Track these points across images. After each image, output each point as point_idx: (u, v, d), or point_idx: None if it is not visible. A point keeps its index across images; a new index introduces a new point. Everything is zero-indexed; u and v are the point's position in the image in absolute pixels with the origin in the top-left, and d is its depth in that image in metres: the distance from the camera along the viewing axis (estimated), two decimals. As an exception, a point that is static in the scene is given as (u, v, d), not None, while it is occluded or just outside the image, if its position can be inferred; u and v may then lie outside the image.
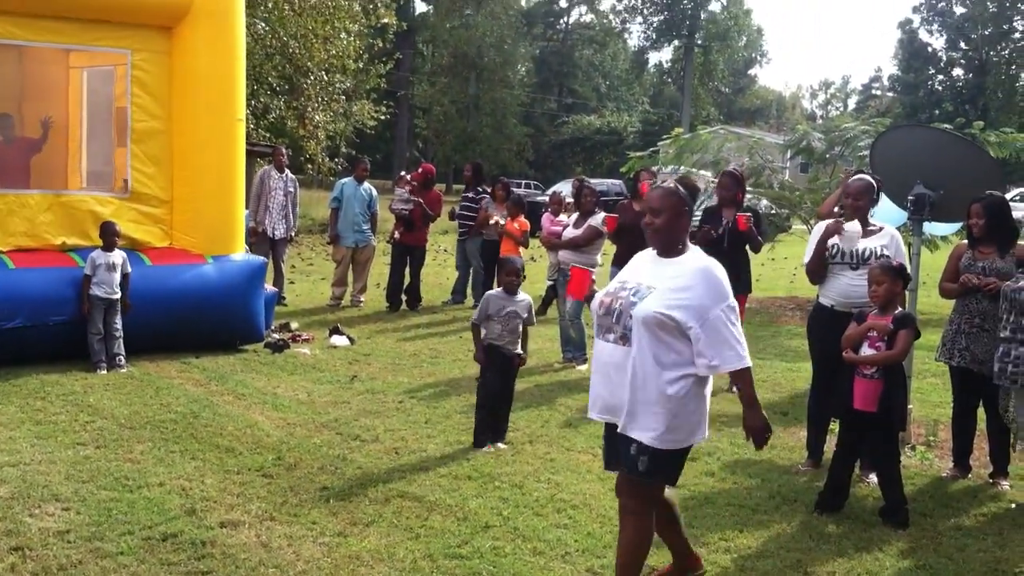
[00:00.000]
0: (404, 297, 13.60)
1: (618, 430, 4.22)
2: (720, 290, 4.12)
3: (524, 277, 7.34)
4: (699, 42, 75.74)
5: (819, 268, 6.51)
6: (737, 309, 4.16)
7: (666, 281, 4.16)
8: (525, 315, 7.14)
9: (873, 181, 6.52)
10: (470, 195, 14.18)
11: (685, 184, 4.47)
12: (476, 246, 13.71)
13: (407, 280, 13.63)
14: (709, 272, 4.16)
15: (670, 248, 4.29)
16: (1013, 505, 5.99)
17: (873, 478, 6.15)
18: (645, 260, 4.42)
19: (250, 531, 5.19)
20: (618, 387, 4.17)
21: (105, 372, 8.73)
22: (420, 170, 14.25)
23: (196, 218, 9.95)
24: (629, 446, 4.18)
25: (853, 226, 6.43)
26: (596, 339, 4.31)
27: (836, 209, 7.05)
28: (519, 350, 7.16)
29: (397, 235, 13.49)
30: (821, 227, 6.61)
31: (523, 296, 7.20)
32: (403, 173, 14.93)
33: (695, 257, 4.25)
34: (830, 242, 6.45)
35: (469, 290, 14.19)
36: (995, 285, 6.16)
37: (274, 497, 5.74)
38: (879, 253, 6.26)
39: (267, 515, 5.44)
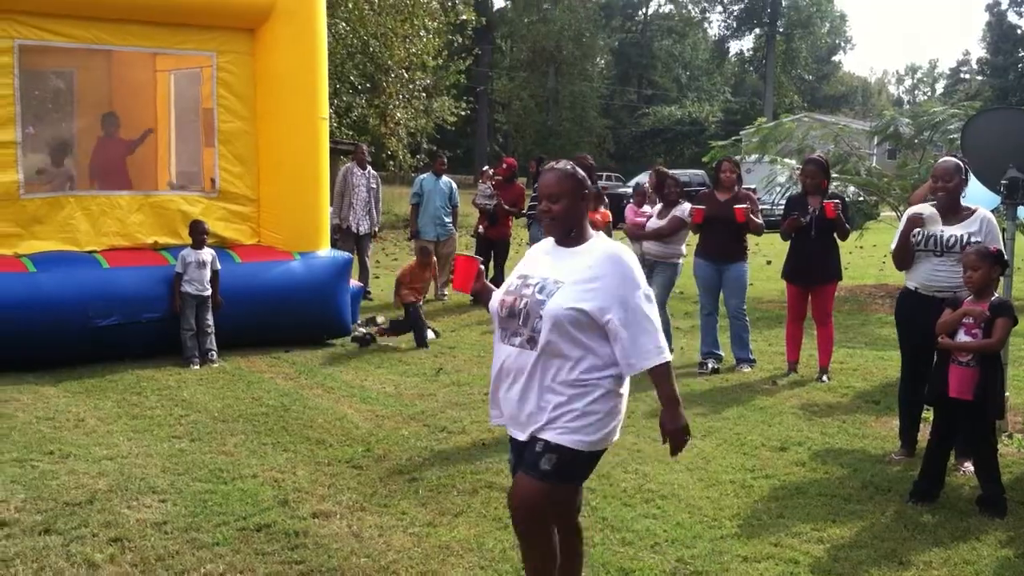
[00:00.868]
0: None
1: (524, 438, 3.84)
2: (633, 276, 3.74)
3: None
4: (780, 30, 74.63)
5: (905, 257, 6.41)
6: (653, 296, 3.83)
7: (573, 273, 3.75)
8: None
9: (960, 163, 6.38)
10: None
11: (581, 164, 4.18)
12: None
13: (491, 273, 13.70)
14: (618, 258, 3.76)
15: (571, 236, 3.88)
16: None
17: (969, 467, 6.01)
18: (544, 252, 3.98)
19: (341, 521, 5.26)
20: (527, 394, 3.78)
21: (198, 367, 8.93)
22: (504, 165, 14.30)
23: (282, 216, 10.12)
24: (535, 445, 3.78)
25: (935, 213, 6.32)
26: (497, 343, 3.90)
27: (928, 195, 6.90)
28: None
29: (481, 229, 13.56)
30: (910, 211, 6.52)
31: None
32: (486, 168, 15.01)
33: (600, 243, 3.85)
34: (914, 229, 6.33)
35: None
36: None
37: (364, 488, 5.81)
38: (965, 241, 6.11)
39: (358, 505, 5.51)
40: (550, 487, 3.76)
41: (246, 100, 10.11)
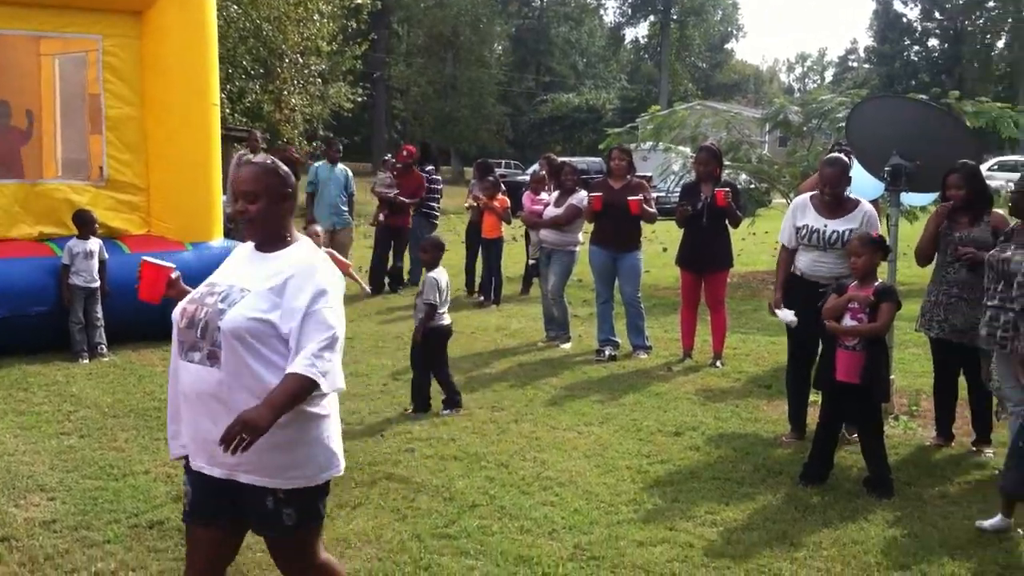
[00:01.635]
0: (387, 280, 13.60)
1: (222, 476, 3.31)
2: (321, 287, 3.27)
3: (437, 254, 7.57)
4: (674, 17, 75.62)
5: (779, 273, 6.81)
6: (341, 312, 3.33)
7: (262, 281, 3.32)
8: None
9: (846, 165, 6.60)
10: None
11: (284, 159, 3.93)
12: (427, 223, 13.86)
13: (390, 262, 13.63)
14: (311, 267, 3.33)
15: (271, 240, 3.44)
16: (996, 472, 6.02)
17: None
18: (242, 257, 3.54)
19: (236, 517, 5.18)
20: (215, 421, 3.21)
21: (87, 361, 8.70)
22: (404, 152, 14.17)
23: (173, 204, 9.89)
24: (263, 501, 3.30)
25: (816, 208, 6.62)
26: (176, 359, 3.39)
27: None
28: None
29: (382, 218, 13.44)
30: (795, 203, 6.81)
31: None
32: (388, 156, 14.89)
33: (298, 251, 3.42)
34: (800, 223, 6.55)
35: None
36: (973, 255, 6.18)
37: (260, 482, 5.73)
38: (847, 238, 6.32)
39: (254, 501, 5.43)
40: (304, 535, 3.41)
41: (134, 85, 9.84)
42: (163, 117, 9.83)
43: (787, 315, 6.61)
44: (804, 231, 6.59)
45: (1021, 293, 5.50)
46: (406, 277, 14.00)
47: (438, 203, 14.21)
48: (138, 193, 9.93)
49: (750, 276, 15.40)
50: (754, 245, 19.07)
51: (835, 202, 6.52)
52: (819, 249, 6.51)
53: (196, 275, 10.01)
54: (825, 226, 6.50)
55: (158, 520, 5.10)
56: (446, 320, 7.49)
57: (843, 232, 6.38)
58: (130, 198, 9.88)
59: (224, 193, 11.59)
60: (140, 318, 9.30)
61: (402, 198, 13.46)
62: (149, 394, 7.68)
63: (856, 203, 6.58)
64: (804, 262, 6.62)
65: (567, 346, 9.83)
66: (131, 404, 7.38)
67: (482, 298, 12.61)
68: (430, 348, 7.42)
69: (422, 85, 57.61)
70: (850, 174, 6.60)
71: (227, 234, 11.12)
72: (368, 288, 12.82)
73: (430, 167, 14.33)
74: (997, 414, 6.59)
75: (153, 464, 6.00)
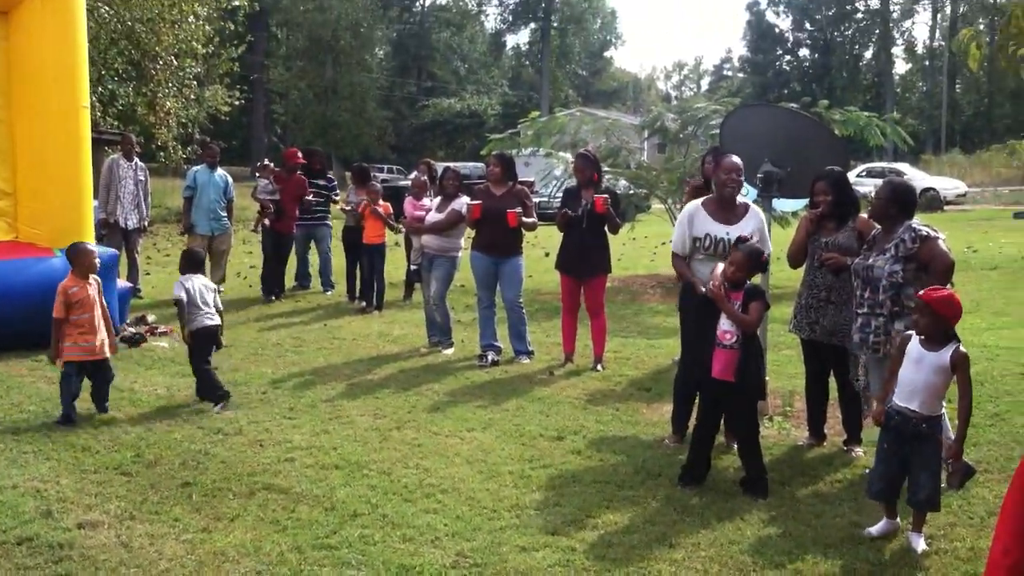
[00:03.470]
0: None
1: None
2: None
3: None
4: (555, 24, 76.39)
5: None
6: None
7: None
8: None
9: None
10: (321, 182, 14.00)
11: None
12: (323, 232, 13.89)
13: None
14: None
15: None
16: (866, 471, 6.22)
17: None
18: None
19: (109, 531, 5.04)
20: None
21: (-52, 373, 8.36)
22: (298, 155, 13.94)
23: (42, 210, 9.57)
24: None
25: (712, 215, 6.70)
26: None
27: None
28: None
29: (267, 223, 13.19)
30: (687, 212, 6.87)
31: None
32: (266, 161, 14.63)
33: None
34: (702, 232, 6.64)
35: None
36: (836, 260, 6.36)
37: (134, 496, 5.58)
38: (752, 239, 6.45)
39: (127, 514, 5.28)
40: None
41: (0, 87, 9.48)
42: (31, 120, 9.50)
43: (715, 274, 6.20)
44: (707, 241, 6.66)
45: (887, 297, 5.71)
46: (291, 283, 13.86)
47: (328, 208, 14.08)
48: (4, 198, 9.59)
49: (630, 280, 15.61)
50: (634, 250, 19.36)
51: (733, 197, 6.66)
52: (719, 259, 6.50)
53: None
54: (727, 233, 6.60)
55: (27, 536, 4.92)
56: (208, 322, 7.79)
57: (747, 237, 6.49)
58: (-4, 203, 9.53)
59: (95, 198, 11.26)
60: (9, 327, 9.01)
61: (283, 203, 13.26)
62: (16, 405, 7.41)
63: (746, 206, 6.74)
64: (702, 274, 6.62)
65: (449, 352, 9.82)
66: (-3, 417, 7.11)
67: (364, 304, 12.52)
68: (193, 347, 7.80)
69: (302, 89, 57.01)
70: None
71: (99, 240, 10.80)
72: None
73: (330, 175, 14.20)
74: (865, 415, 6.80)
75: (22, 478, 5.79)
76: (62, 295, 7.10)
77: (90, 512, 5.30)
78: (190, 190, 13.14)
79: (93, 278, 7.31)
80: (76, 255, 7.33)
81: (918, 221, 5.91)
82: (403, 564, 4.69)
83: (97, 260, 7.42)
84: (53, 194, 9.59)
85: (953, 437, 5.82)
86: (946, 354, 4.92)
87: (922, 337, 5.03)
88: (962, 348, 4.95)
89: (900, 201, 5.95)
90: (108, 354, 7.36)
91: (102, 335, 7.29)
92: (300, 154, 13.92)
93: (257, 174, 14.09)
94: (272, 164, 14.05)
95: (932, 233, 5.81)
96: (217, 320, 7.90)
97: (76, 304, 7.13)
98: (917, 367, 5.03)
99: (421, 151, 55.32)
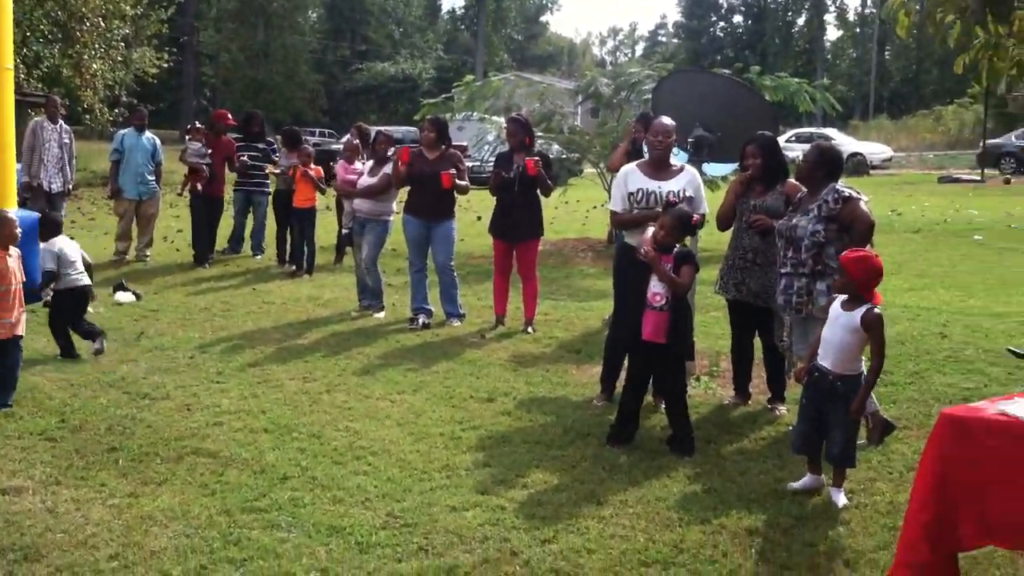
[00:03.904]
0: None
1: None
2: None
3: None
4: (491, -12, 75.88)
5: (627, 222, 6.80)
6: None
7: None
8: None
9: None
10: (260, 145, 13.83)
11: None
12: (261, 198, 13.67)
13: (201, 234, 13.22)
14: None
15: None
16: (789, 428, 6.34)
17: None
18: None
19: (34, 497, 4.98)
20: None
21: None
22: (226, 117, 13.72)
23: (-39, 172, 9.29)
24: None
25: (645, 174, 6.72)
26: None
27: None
28: None
29: (199, 187, 12.97)
30: (622, 172, 6.92)
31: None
32: (197, 124, 14.38)
33: None
34: (635, 187, 6.68)
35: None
36: (763, 222, 6.46)
37: (59, 461, 5.51)
38: (683, 196, 6.50)
39: (52, 479, 5.23)
40: None
41: (-85, 46, 9.17)
42: (-52, 80, 9.20)
43: (646, 238, 6.22)
44: (639, 195, 6.71)
45: (808, 256, 5.82)
46: (222, 247, 13.68)
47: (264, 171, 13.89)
48: (-79, 160, 9.28)
49: (562, 244, 15.67)
50: (566, 214, 19.41)
51: (665, 157, 6.72)
52: (652, 213, 6.53)
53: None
54: (659, 187, 6.65)
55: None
56: (82, 281, 8.00)
57: (678, 192, 6.54)
58: (-89, 165, 9.24)
59: (18, 161, 11.00)
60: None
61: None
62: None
63: (681, 167, 6.80)
64: (639, 234, 6.69)
65: (380, 315, 9.80)
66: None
67: (294, 268, 12.41)
68: (65, 307, 7.95)
69: (232, 51, 56.08)
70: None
71: (22, 204, 10.56)
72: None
73: (269, 139, 14.01)
74: (789, 373, 6.93)
75: (-60, 446, 5.69)
76: None
77: (14, 478, 5.23)
78: (117, 153, 12.91)
79: (13, 249, 6.71)
80: None
81: (842, 184, 6.02)
82: (333, 525, 4.70)
83: (18, 230, 6.76)
84: (-27, 156, 9.33)
85: (877, 406, 6.00)
86: (858, 314, 5.02)
87: (844, 298, 5.13)
88: (876, 310, 5.03)
89: (827, 164, 6.05)
90: (20, 332, 6.70)
91: (18, 312, 6.64)
92: (230, 116, 13.72)
93: (188, 137, 13.85)
94: (203, 127, 13.82)
95: (855, 195, 5.92)
96: (87, 280, 8.01)
97: None
98: (833, 326, 5.15)
99: (354, 115, 54.79)
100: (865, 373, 5.18)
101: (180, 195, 14.06)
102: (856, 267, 5.00)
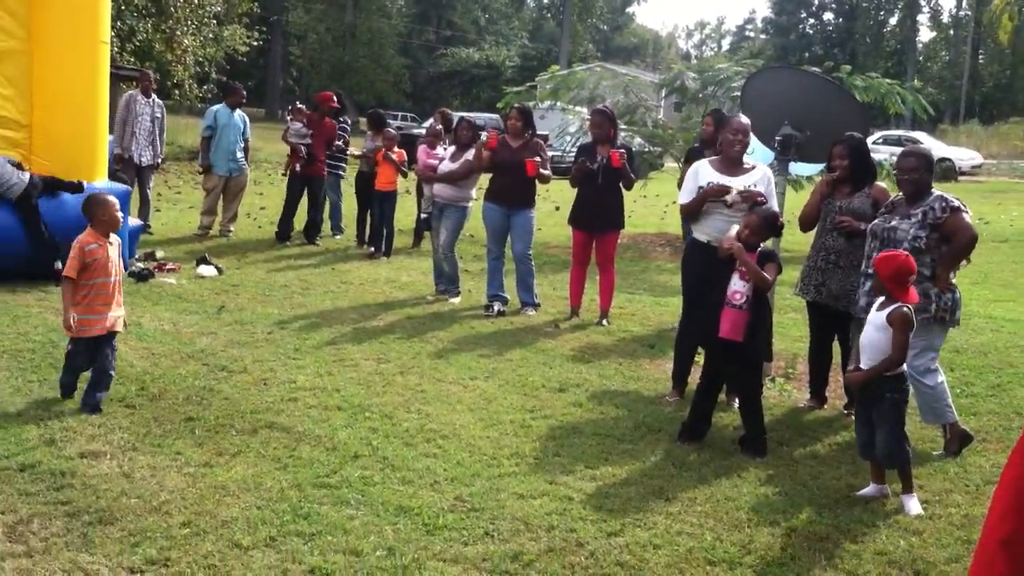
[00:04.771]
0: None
1: None
2: None
3: None
4: (578, -23, 75.57)
5: (696, 210, 6.70)
6: None
7: None
8: None
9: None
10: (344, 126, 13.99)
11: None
12: (335, 181, 13.80)
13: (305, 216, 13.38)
14: None
15: None
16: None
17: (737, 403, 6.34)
18: None
19: (111, 461, 5.08)
20: None
21: (-42, 300, 8.39)
22: (332, 99, 13.84)
23: (57, 144, 9.53)
24: None
25: (716, 170, 6.69)
26: None
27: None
28: None
29: (298, 167, 13.13)
30: (694, 167, 6.85)
31: None
32: (299, 104, 14.57)
33: None
34: (705, 181, 6.61)
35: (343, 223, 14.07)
36: (850, 224, 6.37)
37: (137, 428, 5.63)
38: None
39: (129, 445, 5.33)
40: None
41: (20, 18, 9.39)
42: (50, 53, 9.44)
43: (730, 236, 6.07)
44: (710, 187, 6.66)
45: None
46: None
47: (346, 153, 14.04)
48: (20, 130, 9.53)
49: (639, 238, 15.60)
50: (644, 208, 19.31)
51: (739, 156, 6.67)
52: (726, 207, 6.50)
53: (77, 216, 9.65)
54: (731, 183, 6.59)
55: (29, 463, 4.96)
56: None
57: (748, 187, 6.49)
58: (11, 134, 9.47)
59: (111, 133, 11.25)
60: (17, 259, 9.05)
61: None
62: (23, 335, 7.44)
63: (753, 165, 6.74)
64: (713, 227, 6.59)
65: (456, 300, 9.84)
66: (4, 345, 7.14)
67: (372, 250, 12.52)
68: None
69: (320, 32, 56.66)
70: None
71: (112, 175, 10.81)
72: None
73: (344, 118, 14.13)
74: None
75: (26, 407, 5.83)
76: (78, 252, 5.81)
77: (93, 442, 5.34)
78: (210, 130, 13.12)
79: (114, 237, 6.07)
80: (95, 207, 6.00)
81: (949, 193, 5.92)
82: (401, 505, 4.73)
83: (119, 214, 6.08)
84: (69, 128, 9.56)
85: (955, 417, 5.89)
86: (886, 312, 5.02)
87: (882, 299, 5.15)
88: (905, 308, 5.01)
89: (931, 168, 5.99)
90: (119, 328, 6.15)
91: (118, 310, 6.06)
92: (335, 99, 13.83)
93: (289, 116, 14.03)
94: (304, 107, 13.99)
95: (961, 206, 5.83)
96: None
97: (92, 265, 5.85)
98: (868, 327, 5.19)
99: (437, 100, 55.11)
100: (906, 371, 5.17)
101: (284, 175, 14.22)
102: (883, 266, 5.06)
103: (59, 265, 7.86)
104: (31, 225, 9.03)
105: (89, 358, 5.98)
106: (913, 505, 5.01)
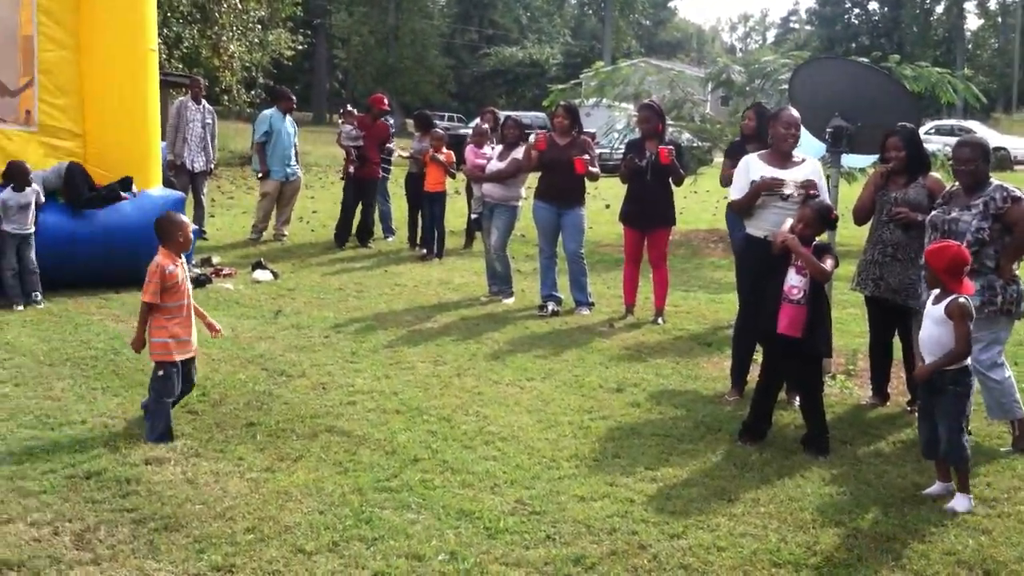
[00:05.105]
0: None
1: None
2: None
3: None
4: (619, -27, 75.30)
5: (750, 205, 6.63)
6: None
7: None
8: None
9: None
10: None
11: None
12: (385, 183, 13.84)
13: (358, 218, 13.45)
14: None
15: None
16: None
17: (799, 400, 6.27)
18: None
19: (175, 468, 5.14)
20: None
21: (22, 309, 8.53)
22: (384, 102, 13.90)
23: (110, 152, 9.67)
24: None
25: (767, 163, 6.62)
26: None
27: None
28: None
29: (352, 170, 13.21)
30: (744, 162, 6.79)
31: None
32: (349, 107, 14.66)
33: None
34: (758, 175, 6.54)
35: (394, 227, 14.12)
36: (906, 215, 6.28)
37: (199, 434, 5.68)
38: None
39: (192, 451, 5.39)
40: None
41: (69, 28, 9.54)
42: (100, 62, 9.57)
43: (783, 230, 5.97)
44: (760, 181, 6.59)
45: (971, 252, 5.53)
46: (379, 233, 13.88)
47: (392, 155, 14.10)
48: (72, 139, 9.67)
49: (692, 234, 15.50)
50: (696, 204, 19.19)
51: (791, 149, 6.61)
52: (781, 199, 6.43)
53: (135, 224, 9.79)
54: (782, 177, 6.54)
55: (95, 471, 5.03)
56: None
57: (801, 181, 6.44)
58: (65, 144, 9.63)
59: (163, 140, 11.37)
60: (78, 266, 9.18)
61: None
62: (85, 343, 7.55)
63: (803, 158, 6.67)
64: (768, 221, 6.49)
65: (509, 301, 9.84)
66: (67, 353, 7.26)
67: (424, 252, 12.56)
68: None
69: (364, 35, 56.94)
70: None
71: (167, 183, 10.93)
72: None
73: (389, 119, 14.20)
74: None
75: (90, 414, 5.92)
76: (158, 276, 5.63)
77: (156, 449, 5.40)
78: (266, 135, 13.20)
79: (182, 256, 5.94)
80: (170, 226, 5.81)
81: (1007, 182, 5.82)
82: (463, 509, 4.74)
83: (191, 233, 5.94)
84: (121, 136, 9.69)
85: (1023, 413, 5.78)
86: (943, 305, 4.95)
87: (937, 292, 5.10)
88: (961, 299, 4.93)
89: (988, 158, 5.89)
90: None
91: (193, 327, 5.92)
92: (386, 101, 13.87)
93: (341, 120, 14.12)
94: (355, 110, 14.06)
95: (1022, 195, 5.72)
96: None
97: (171, 288, 5.70)
98: (926, 321, 5.11)
99: (482, 100, 55.15)
100: (970, 365, 5.08)
101: (342, 179, 14.27)
102: (936, 258, 5.00)
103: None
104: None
105: (184, 381, 5.83)
106: (960, 502, 4.92)
